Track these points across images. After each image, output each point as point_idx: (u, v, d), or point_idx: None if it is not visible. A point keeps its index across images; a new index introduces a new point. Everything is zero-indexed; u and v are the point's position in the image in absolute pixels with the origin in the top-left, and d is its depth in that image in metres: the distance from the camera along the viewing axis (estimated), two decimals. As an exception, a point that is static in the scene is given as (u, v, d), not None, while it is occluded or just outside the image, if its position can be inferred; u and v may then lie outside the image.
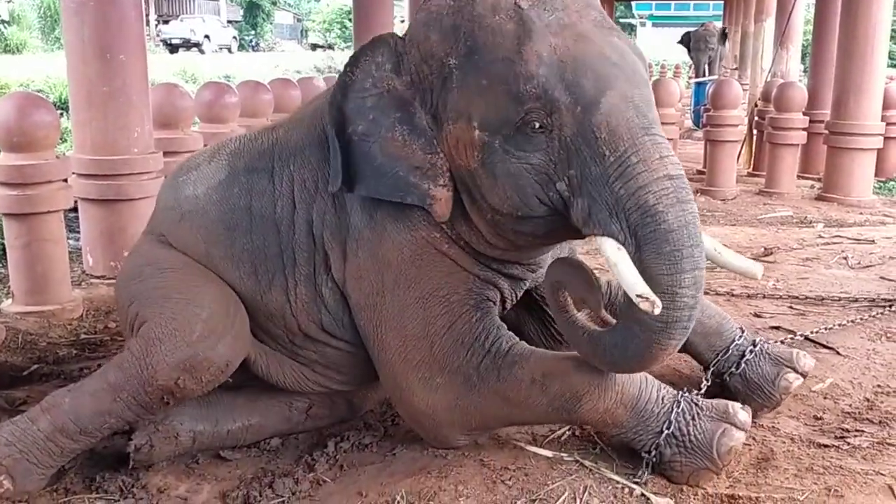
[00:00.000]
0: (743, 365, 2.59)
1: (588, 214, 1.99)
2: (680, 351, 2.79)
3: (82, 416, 2.30)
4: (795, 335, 3.11)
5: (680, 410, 2.20)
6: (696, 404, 2.23)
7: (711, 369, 2.63)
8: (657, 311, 1.86)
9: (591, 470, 2.29)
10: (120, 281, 2.68)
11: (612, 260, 1.94)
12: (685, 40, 15.88)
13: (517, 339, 2.33)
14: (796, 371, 2.56)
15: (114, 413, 2.32)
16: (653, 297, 1.86)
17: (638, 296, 1.87)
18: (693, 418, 2.20)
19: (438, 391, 2.29)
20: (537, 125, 1.99)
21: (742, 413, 2.22)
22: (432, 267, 2.29)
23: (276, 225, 2.43)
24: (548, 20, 2.01)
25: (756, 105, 8.80)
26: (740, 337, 2.66)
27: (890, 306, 3.54)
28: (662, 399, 2.23)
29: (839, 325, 3.28)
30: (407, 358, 2.31)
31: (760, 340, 2.67)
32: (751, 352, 2.61)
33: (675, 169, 1.95)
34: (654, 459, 2.21)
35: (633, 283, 1.89)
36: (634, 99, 1.97)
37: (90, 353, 3.49)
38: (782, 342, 2.93)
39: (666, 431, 2.18)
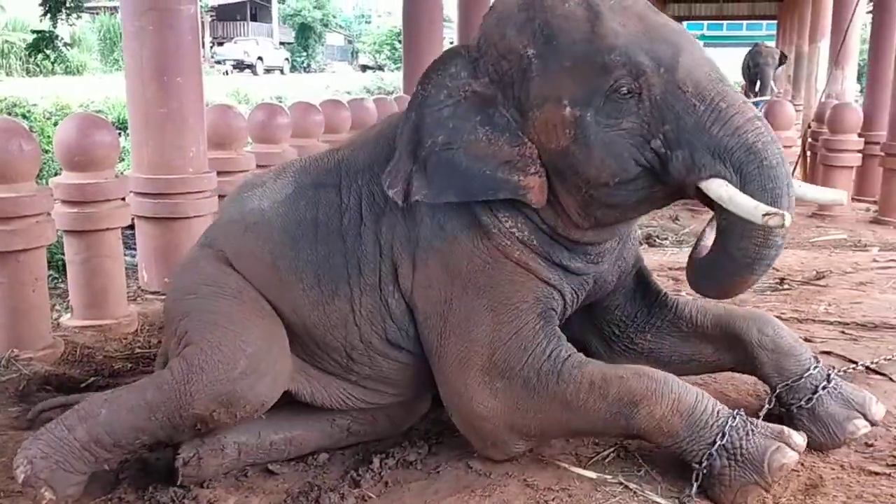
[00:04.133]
0: (814, 401, 2.49)
1: (692, 161, 2.15)
2: (745, 371, 2.72)
3: (117, 430, 2.36)
4: (857, 364, 3.00)
5: (735, 424, 2.19)
6: (751, 422, 2.22)
7: (777, 391, 2.54)
8: (788, 222, 2.04)
9: (635, 492, 2.28)
10: (173, 292, 2.71)
11: (725, 195, 2.11)
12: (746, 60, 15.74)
13: (575, 349, 2.38)
14: (866, 418, 2.48)
15: (147, 431, 2.39)
16: (779, 210, 2.05)
17: (765, 215, 2.03)
18: (747, 434, 2.18)
19: (498, 395, 2.34)
20: (625, 90, 2.15)
21: (797, 436, 2.20)
22: (503, 275, 2.37)
23: (342, 236, 2.49)
24: (610, 4, 2.22)
25: (809, 126, 8.69)
26: (815, 367, 2.54)
27: (947, 332, 3.44)
28: (718, 413, 2.23)
29: (896, 352, 3.18)
30: (469, 363, 2.36)
31: (834, 375, 2.56)
32: (824, 388, 2.50)
33: (757, 112, 2.18)
34: (704, 471, 2.19)
35: (754, 206, 2.06)
36: (704, 57, 2.23)
37: (144, 366, 3.58)
38: (844, 372, 2.83)
39: (719, 442, 2.17)
